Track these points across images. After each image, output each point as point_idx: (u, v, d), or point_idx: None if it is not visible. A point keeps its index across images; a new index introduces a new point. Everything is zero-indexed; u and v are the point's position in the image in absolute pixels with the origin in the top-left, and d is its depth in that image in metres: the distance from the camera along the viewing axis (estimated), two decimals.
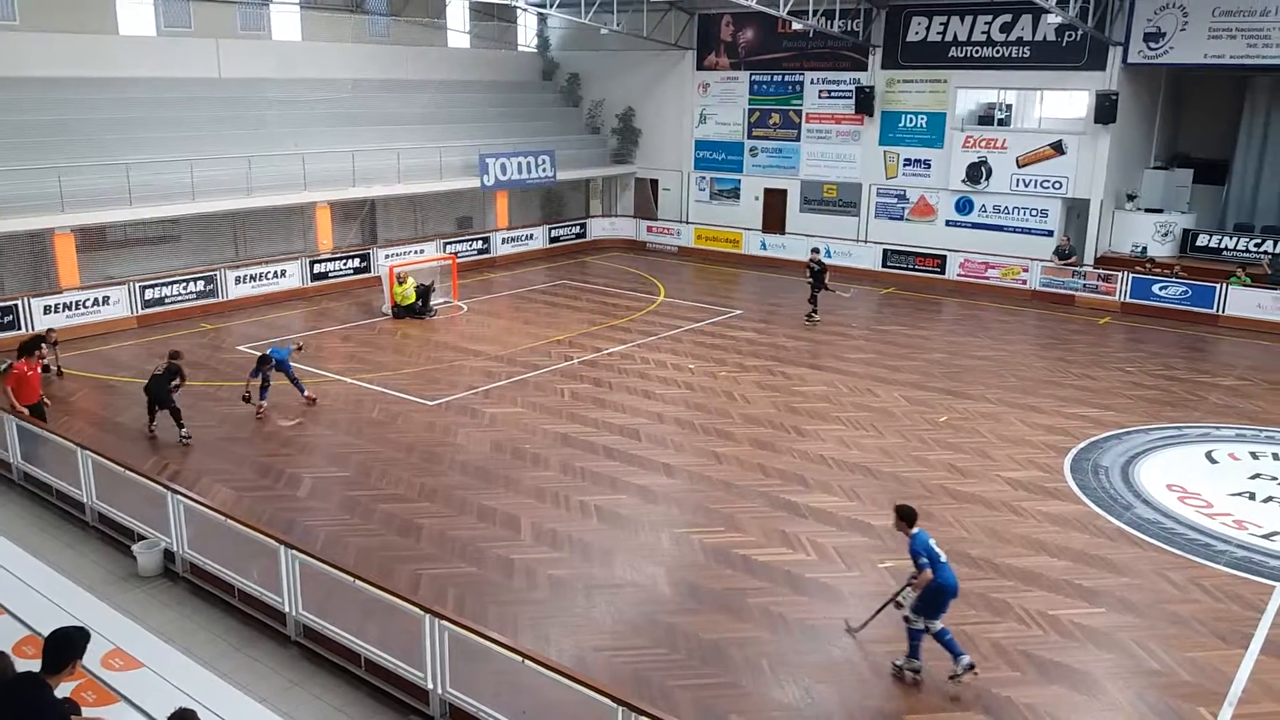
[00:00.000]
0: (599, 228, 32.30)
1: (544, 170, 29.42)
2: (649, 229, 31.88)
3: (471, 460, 13.72)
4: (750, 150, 30.56)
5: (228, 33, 25.80)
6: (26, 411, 12.77)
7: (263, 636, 9.21)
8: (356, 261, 25.17)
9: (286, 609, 9.12)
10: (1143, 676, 8.87)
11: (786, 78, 29.46)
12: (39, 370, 13.42)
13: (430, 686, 7.97)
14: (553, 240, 30.81)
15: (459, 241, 27.77)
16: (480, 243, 28.52)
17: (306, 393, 15.88)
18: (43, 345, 14.01)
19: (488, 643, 7.56)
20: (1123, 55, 23.84)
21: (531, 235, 30.22)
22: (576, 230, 31.77)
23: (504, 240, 29.23)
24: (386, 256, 24.99)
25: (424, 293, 21.82)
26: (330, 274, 24.59)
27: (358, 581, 8.44)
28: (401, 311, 21.73)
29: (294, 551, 8.99)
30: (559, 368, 18.17)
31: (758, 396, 16.55)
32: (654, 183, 32.88)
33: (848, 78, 28.22)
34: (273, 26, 27.18)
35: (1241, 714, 8.34)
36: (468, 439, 14.56)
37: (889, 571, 10.65)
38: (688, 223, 31.54)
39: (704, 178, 31.69)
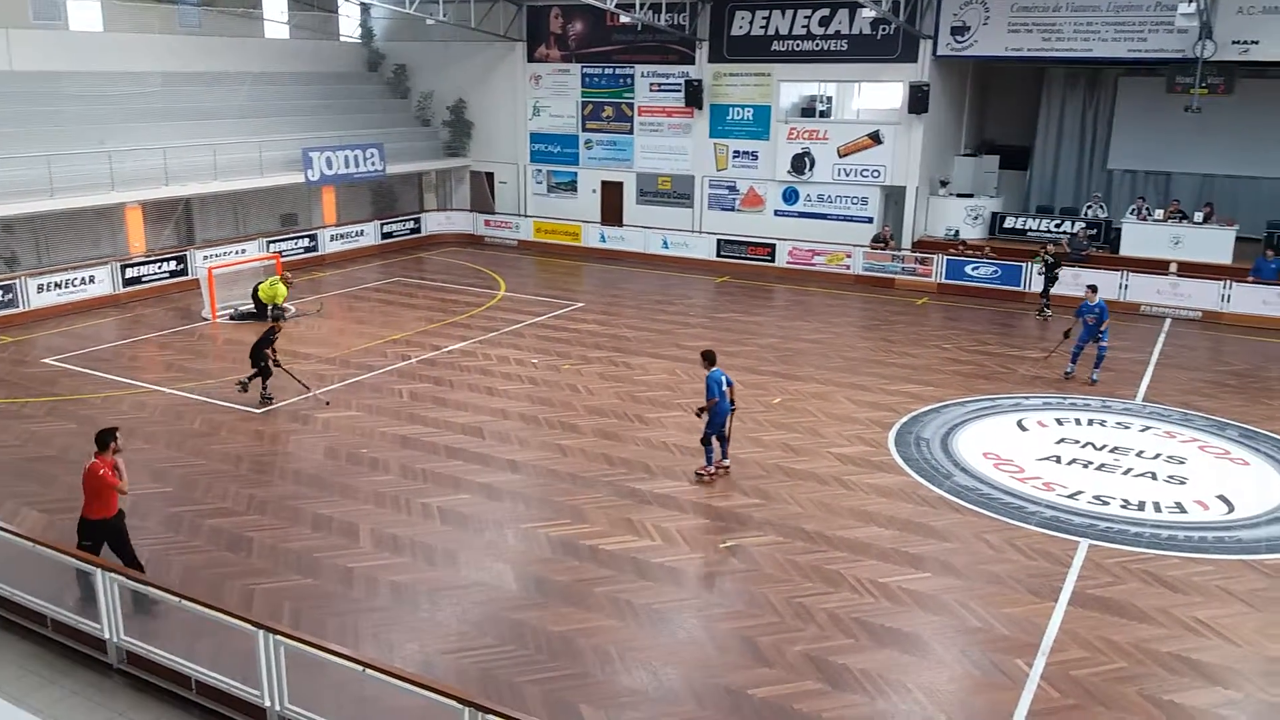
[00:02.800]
0: (434, 222, 31.68)
1: (372, 164, 28.63)
2: (486, 223, 31.51)
3: (304, 468, 13.25)
4: (585, 143, 30.64)
5: (19, 22, 23.90)
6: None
7: (81, 667, 8.63)
8: (173, 264, 23.83)
9: (107, 635, 8.58)
10: (965, 635, 9.44)
11: (617, 71, 29.66)
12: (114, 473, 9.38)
13: (268, 704, 7.67)
14: (385, 236, 30.01)
15: (283, 240, 26.69)
16: (307, 240, 27.50)
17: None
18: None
19: (326, 654, 7.35)
20: (933, 48, 25.16)
21: (362, 231, 29.35)
22: (410, 225, 31.05)
23: (332, 237, 28.26)
24: (205, 258, 23.75)
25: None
26: (144, 278, 23.18)
27: (184, 601, 8.03)
28: (246, 315, 20.65)
29: (111, 574, 8.47)
30: (396, 368, 17.75)
31: (601, 388, 16.65)
32: (489, 176, 32.52)
33: (677, 71, 28.66)
34: (69, 16, 25.34)
35: (1054, 661, 9.00)
36: (299, 446, 14.05)
37: (730, 551, 10.95)
38: (526, 216, 31.36)
39: (540, 170, 31.58)
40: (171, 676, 8.27)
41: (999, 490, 12.76)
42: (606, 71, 29.86)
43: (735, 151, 28.33)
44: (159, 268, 23.54)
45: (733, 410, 12.95)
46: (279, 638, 7.50)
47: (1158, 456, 13.89)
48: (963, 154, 28.10)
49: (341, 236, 28.57)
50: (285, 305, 20.45)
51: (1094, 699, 8.47)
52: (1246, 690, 8.60)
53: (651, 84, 29.23)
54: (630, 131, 29.78)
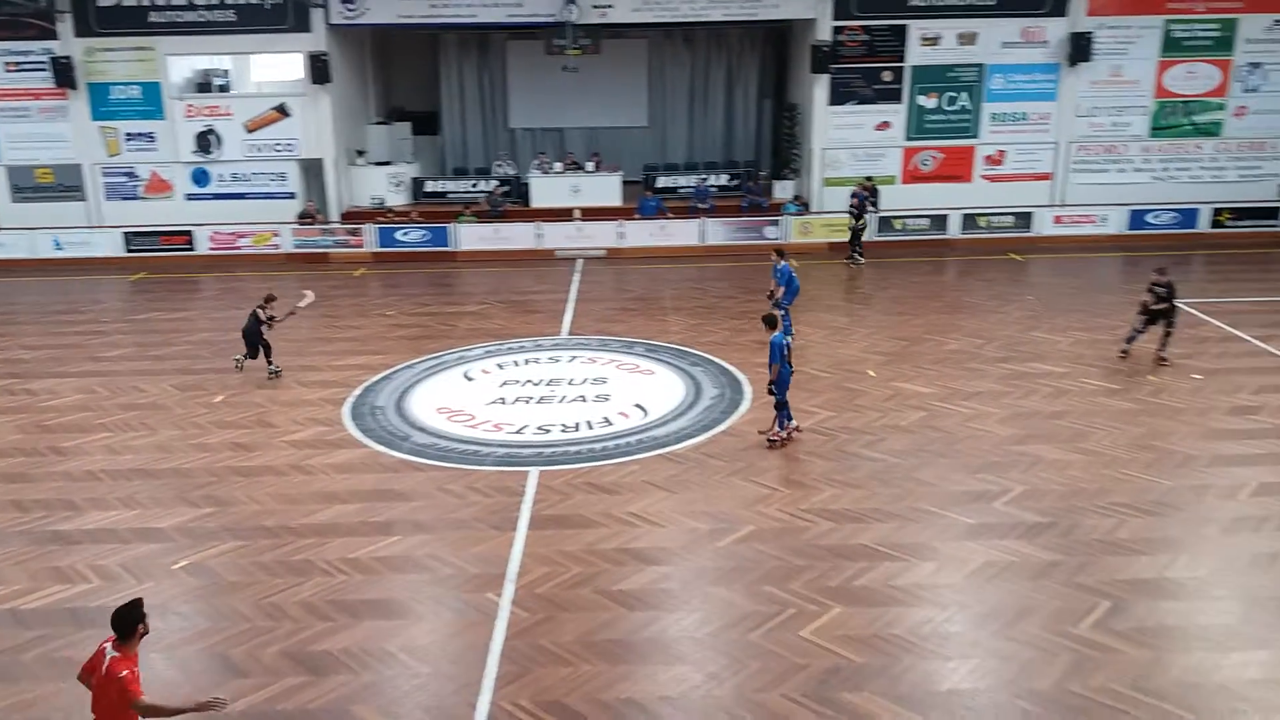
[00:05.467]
0: None
1: None
2: None
3: None
4: None
5: None
6: None
7: None
8: None
9: None
10: (439, 585, 9.78)
11: None
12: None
13: None
14: None
15: None
16: None
17: None
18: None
19: None
20: (325, 17, 24.78)
21: None
22: None
23: None
24: None
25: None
26: None
27: None
28: None
29: None
30: None
31: None
32: None
33: (39, 48, 24.87)
34: None
35: (521, 585, 9.69)
36: None
37: (184, 570, 10.10)
38: None
39: None
40: None
41: (455, 441, 13.32)
42: None
43: (128, 134, 25.49)
44: None
45: (792, 372, 12.92)
46: None
47: (585, 381, 15.52)
48: (375, 122, 28.29)
49: None
50: None
51: (559, 608, 9.30)
52: (673, 564, 10.06)
53: (8, 64, 25.08)
54: None
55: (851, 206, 23.47)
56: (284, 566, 10.11)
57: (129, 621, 6.14)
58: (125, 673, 6.00)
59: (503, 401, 14.77)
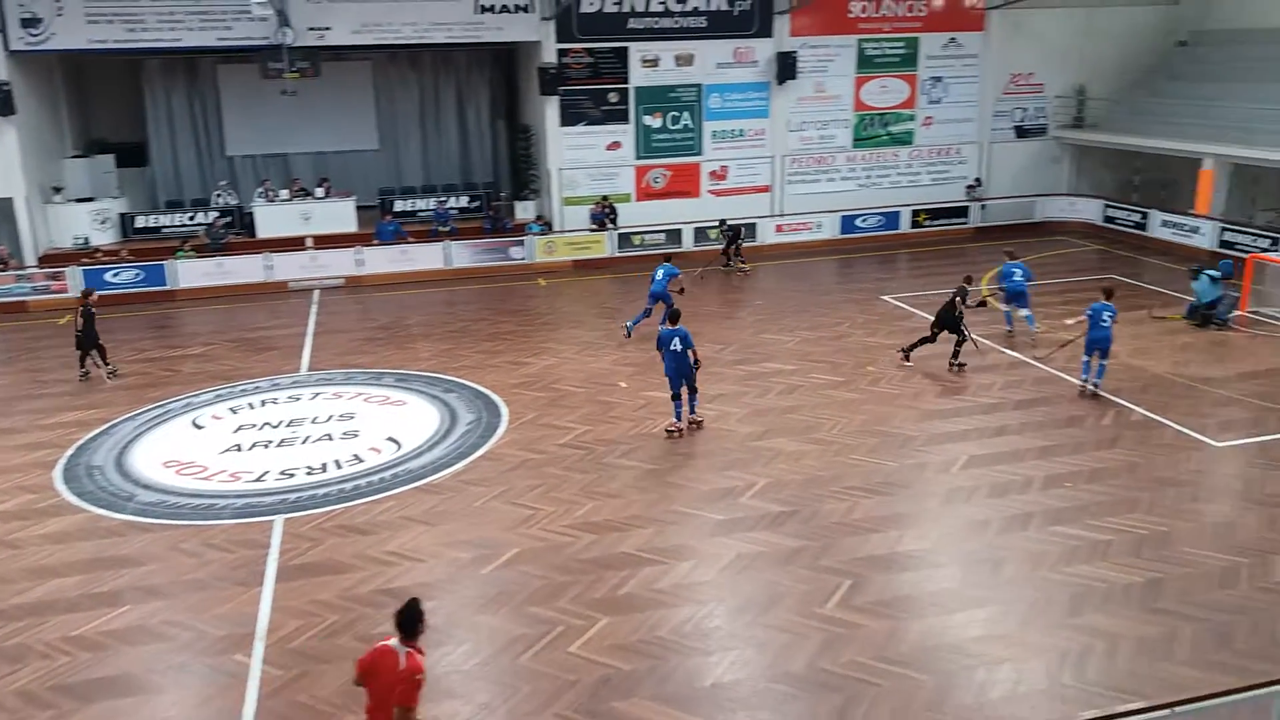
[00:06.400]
0: None
1: None
2: None
3: None
4: None
5: None
6: None
7: None
8: None
9: None
10: (180, 652, 9.02)
11: None
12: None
13: None
14: None
15: None
16: None
17: None
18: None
19: None
20: (4, 43, 22.36)
21: None
22: None
23: None
24: None
25: None
26: None
27: None
28: None
29: None
30: None
31: None
32: None
33: None
34: None
35: (272, 642, 9.12)
36: None
37: None
38: None
39: None
40: None
41: (187, 496, 12.36)
42: None
43: None
44: None
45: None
46: None
47: (330, 418, 14.86)
48: (73, 156, 25.79)
49: None
50: None
51: (316, 660, 8.83)
52: (437, 598, 9.81)
53: None
54: None
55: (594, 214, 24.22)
56: None
57: (415, 618, 6.53)
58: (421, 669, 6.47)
59: (239, 448, 13.86)
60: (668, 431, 13.80)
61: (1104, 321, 14.73)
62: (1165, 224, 25.77)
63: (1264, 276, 19.51)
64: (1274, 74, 24.80)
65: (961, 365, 16.17)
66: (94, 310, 16.88)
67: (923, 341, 16.40)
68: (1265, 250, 21.70)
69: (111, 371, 17.03)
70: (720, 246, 24.48)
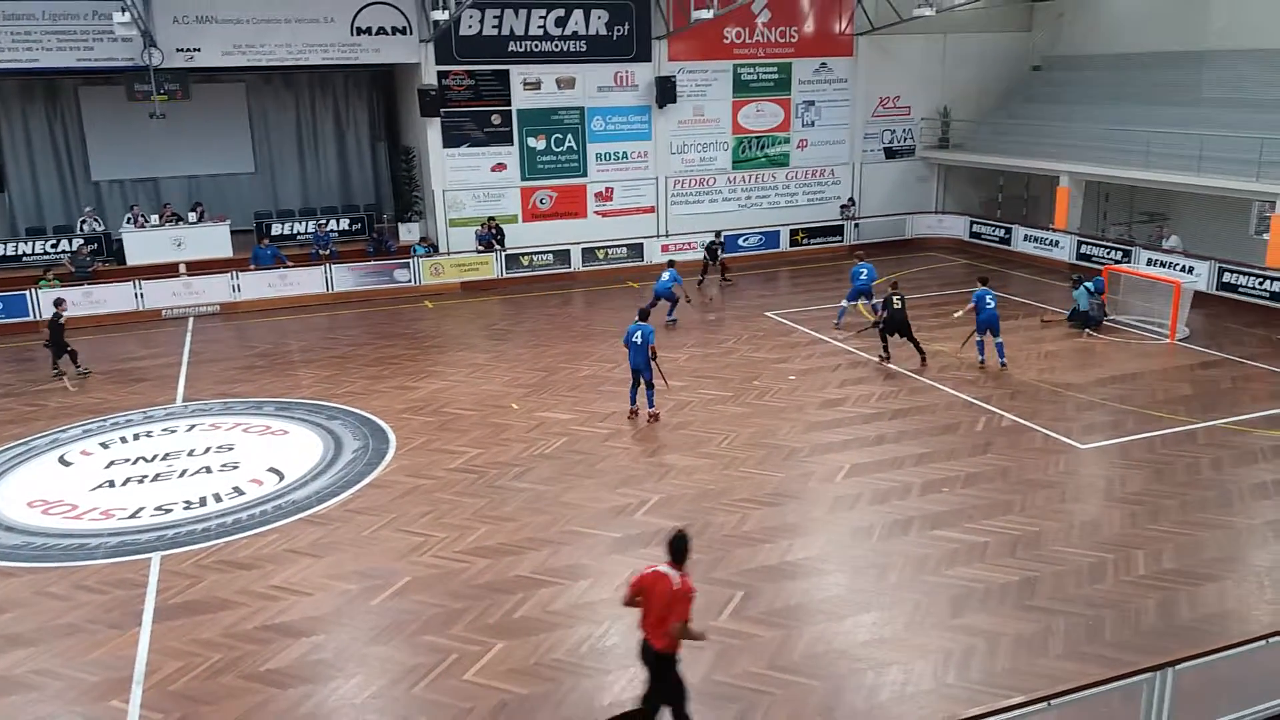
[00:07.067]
0: None
1: None
2: None
3: None
4: None
5: None
6: None
7: None
8: None
9: None
10: (51, 702, 8.55)
11: None
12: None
13: None
14: None
15: None
16: None
17: None
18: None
19: None
20: None
21: None
22: None
23: None
24: None
25: None
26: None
27: None
28: None
29: None
30: None
31: None
32: None
33: None
34: None
35: (151, 685, 8.73)
36: None
37: None
38: None
39: None
40: None
41: (55, 536, 11.74)
42: None
43: None
44: None
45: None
46: None
47: (208, 450, 14.34)
48: None
49: None
50: None
51: (199, 702, 8.50)
52: (325, 632, 9.57)
53: None
54: None
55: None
56: None
57: (685, 546, 7.40)
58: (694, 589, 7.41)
59: (111, 484, 13.25)
60: (630, 415, 15.28)
61: (989, 303, 17.05)
62: (1028, 238, 27.17)
63: (1118, 286, 20.76)
64: (1118, 96, 26.50)
65: (925, 357, 17.60)
66: None
67: (885, 343, 17.71)
68: (1118, 262, 23.12)
69: None
70: (713, 264, 25.15)
